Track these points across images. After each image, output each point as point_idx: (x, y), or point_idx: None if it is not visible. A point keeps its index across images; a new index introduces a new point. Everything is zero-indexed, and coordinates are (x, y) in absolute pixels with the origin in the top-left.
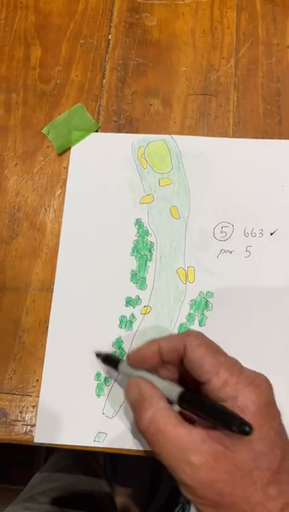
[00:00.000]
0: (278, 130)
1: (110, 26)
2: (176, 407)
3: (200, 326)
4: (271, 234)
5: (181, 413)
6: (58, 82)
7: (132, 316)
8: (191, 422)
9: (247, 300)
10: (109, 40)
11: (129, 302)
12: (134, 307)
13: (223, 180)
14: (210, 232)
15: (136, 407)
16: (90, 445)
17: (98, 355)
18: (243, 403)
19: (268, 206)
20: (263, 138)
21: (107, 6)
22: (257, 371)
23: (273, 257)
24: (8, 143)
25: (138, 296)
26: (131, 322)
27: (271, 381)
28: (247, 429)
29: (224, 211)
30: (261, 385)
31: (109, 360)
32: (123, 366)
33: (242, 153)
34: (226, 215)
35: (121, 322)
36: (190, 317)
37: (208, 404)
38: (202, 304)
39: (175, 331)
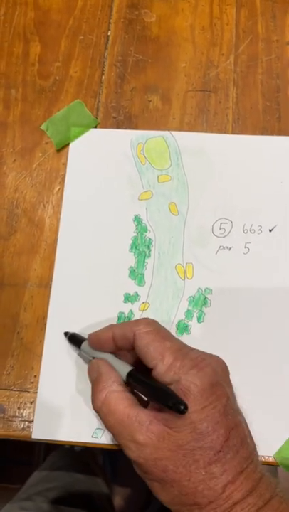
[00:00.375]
0: (277, 127)
1: (109, 22)
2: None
3: (198, 322)
4: (270, 230)
5: (135, 396)
6: (57, 78)
7: (131, 312)
8: (144, 405)
9: (246, 296)
10: (108, 36)
11: (128, 298)
12: (132, 303)
13: (222, 176)
14: (209, 228)
15: (93, 387)
16: (87, 441)
17: (66, 333)
18: (185, 386)
19: (267, 202)
20: (262, 134)
21: (106, 2)
22: (211, 353)
23: (272, 253)
24: (7, 139)
25: (136, 292)
26: (129, 318)
27: (270, 378)
28: (182, 407)
29: (223, 207)
30: (205, 367)
31: (74, 340)
32: (85, 346)
33: (241, 149)
34: (225, 211)
35: (119, 318)
36: (188, 313)
37: (150, 384)
38: (201, 301)
39: (173, 327)
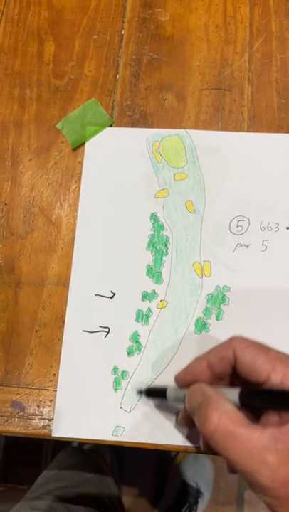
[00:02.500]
0: None
1: (123, 21)
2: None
3: (217, 320)
4: (287, 228)
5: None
6: (72, 77)
7: (149, 310)
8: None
9: (264, 294)
10: (122, 35)
11: (146, 296)
12: (150, 301)
13: (238, 174)
14: (226, 226)
15: (200, 410)
16: (107, 439)
17: (140, 392)
18: None
19: (283, 200)
20: (277, 132)
21: (120, 1)
22: None
23: None
24: (23, 138)
25: (154, 290)
26: (147, 316)
27: None
28: None
29: (240, 205)
30: None
31: (154, 393)
32: (171, 392)
33: (257, 147)
34: (242, 209)
35: (137, 316)
36: (207, 311)
37: (269, 392)
38: (219, 298)
39: (192, 325)
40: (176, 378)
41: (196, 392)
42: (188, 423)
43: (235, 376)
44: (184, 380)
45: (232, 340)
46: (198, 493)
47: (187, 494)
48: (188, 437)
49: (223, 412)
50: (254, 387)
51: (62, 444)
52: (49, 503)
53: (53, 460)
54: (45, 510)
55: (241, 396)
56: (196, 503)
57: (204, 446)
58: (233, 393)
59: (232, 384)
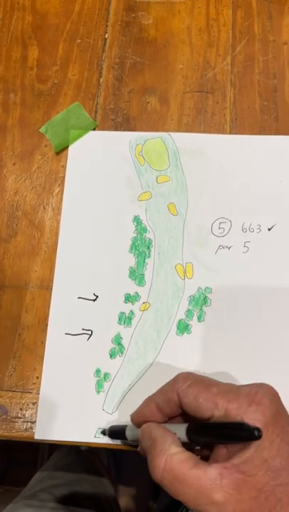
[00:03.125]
0: (275, 126)
1: (107, 25)
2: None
3: (199, 321)
4: (269, 229)
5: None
6: (56, 81)
7: (131, 312)
8: (206, 460)
9: (246, 295)
10: (105, 39)
11: (128, 299)
12: (133, 304)
13: (220, 176)
14: (208, 228)
15: (148, 455)
16: (90, 441)
17: (103, 432)
18: None
19: (265, 202)
20: (260, 134)
21: (103, 5)
22: (256, 382)
23: (271, 252)
24: (7, 142)
25: (137, 292)
26: (130, 318)
27: (271, 378)
28: (256, 433)
29: (222, 207)
30: (262, 400)
31: (116, 433)
32: (129, 431)
33: (239, 149)
34: (224, 211)
35: (120, 318)
36: (189, 313)
37: (213, 426)
38: (201, 300)
39: (174, 327)
40: (131, 418)
41: (145, 434)
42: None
43: (187, 415)
44: (137, 421)
45: (175, 380)
46: None
47: None
48: None
49: (168, 456)
50: None
51: (58, 445)
52: (45, 502)
53: (48, 460)
54: (39, 507)
55: (188, 431)
56: None
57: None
58: (182, 429)
59: (187, 421)
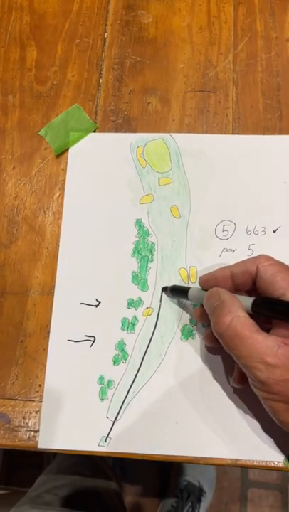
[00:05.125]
0: (279, 125)
1: (106, 25)
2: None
3: (203, 326)
4: (274, 231)
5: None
6: (55, 82)
7: (135, 318)
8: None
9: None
10: (105, 38)
11: (131, 304)
12: (136, 309)
13: (223, 178)
14: (211, 230)
15: (215, 311)
16: (94, 450)
17: (164, 288)
18: None
19: (270, 203)
20: (263, 134)
21: (102, 4)
22: None
23: (277, 255)
24: (6, 146)
25: (140, 297)
26: (133, 324)
27: None
28: None
29: (225, 209)
30: None
31: (177, 291)
32: (193, 291)
33: (242, 149)
34: (228, 213)
35: (123, 324)
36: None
37: (280, 303)
38: None
39: (178, 332)
40: (200, 279)
41: (214, 295)
42: (203, 319)
43: (253, 292)
44: (206, 283)
45: (258, 257)
46: (201, 491)
47: (190, 493)
48: (172, 447)
49: (235, 316)
50: None
51: None
52: (50, 502)
53: (52, 461)
54: (44, 510)
55: (254, 304)
56: (199, 501)
57: (208, 340)
58: (248, 301)
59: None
